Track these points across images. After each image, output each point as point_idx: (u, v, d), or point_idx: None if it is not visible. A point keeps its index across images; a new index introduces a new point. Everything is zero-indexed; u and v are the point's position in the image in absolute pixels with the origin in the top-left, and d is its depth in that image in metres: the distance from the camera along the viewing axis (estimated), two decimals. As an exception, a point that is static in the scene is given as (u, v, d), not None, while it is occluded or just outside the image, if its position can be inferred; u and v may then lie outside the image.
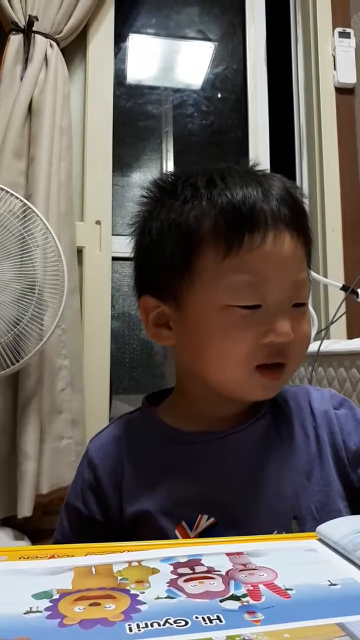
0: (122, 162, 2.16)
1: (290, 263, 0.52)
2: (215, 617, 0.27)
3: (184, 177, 0.55)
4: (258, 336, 0.51)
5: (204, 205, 0.51)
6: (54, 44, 1.74)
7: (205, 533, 0.52)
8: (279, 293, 0.51)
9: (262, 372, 0.52)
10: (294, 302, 0.52)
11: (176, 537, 0.52)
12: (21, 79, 1.68)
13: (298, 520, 0.52)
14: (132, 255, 0.60)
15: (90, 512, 0.58)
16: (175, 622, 0.27)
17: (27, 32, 1.71)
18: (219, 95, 2.32)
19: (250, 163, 0.58)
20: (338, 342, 1.46)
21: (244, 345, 0.51)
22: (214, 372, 0.54)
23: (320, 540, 0.40)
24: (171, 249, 0.53)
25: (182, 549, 0.38)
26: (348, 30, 2.14)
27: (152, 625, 0.27)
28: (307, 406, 0.60)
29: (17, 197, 1.40)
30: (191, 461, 0.56)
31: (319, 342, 1.43)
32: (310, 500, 0.54)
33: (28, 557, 0.37)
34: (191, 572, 0.34)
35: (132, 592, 0.31)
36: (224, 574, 0.33)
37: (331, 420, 0.58)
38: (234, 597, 0.30)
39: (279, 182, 0.54)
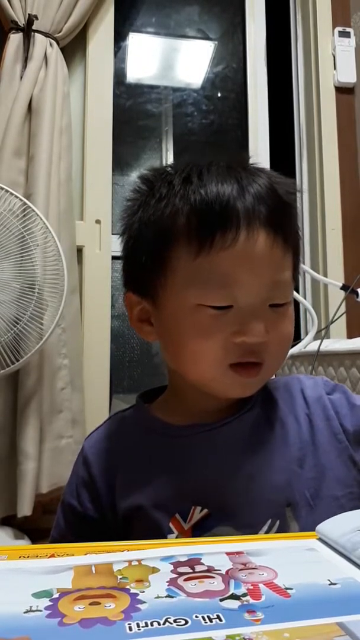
0: (122, 161, 2.16)
1: (265, 264, 0.50)
2: (215, 617, 0.27)
3: (163, 174, 0.55)
4: (229, 336, 0.50)
5: (177, 203, 0.51)
6: (54, 42, 1.74)
7: (199, 524, 0.52)
8: (252, 294, 0.50)
9: (236, 370, 0.51)
10: (270, 303, 0.51)
11: (170, 530, 0.52)
12: (21, 78, 1.68)
13: (292, 507, 0.52)
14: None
15: (85, 509, 0.58)
16: (175, 621, 0.27)
17: (27, 31, 1.70)
18: (219, 95, 2.32)
19: (242, 157, 0.56)
20: (338, 342, 1.46)
21: (215, 344, 0.50)
22: (190, 370, 0.54)
23: (320, 539, 0.40)
24: (147, 247, 0.53)
25: (182, 548, 0.38)
26: (348, 29, 2.14)
27: (152, 624, 0.27)
28: (299, 394, 0.59)
29: (16, 196, 1.40)
30: (182, 454, 0.56)
31: (319, 341, 1.43)
32: (304, 487, 0.53)
33: (28, 556, 0.37)
34: (191, 571, 0.34)
35: (132, 591, 0.31)
36: (223, 573, 0.33)
37: (325, 406, 0.57)
38: (234, 597, 0.30)
39: (265, 177, 0.52)
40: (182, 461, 0.56)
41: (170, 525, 0.53)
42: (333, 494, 0.54)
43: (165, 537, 0.52)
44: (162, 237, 0.52)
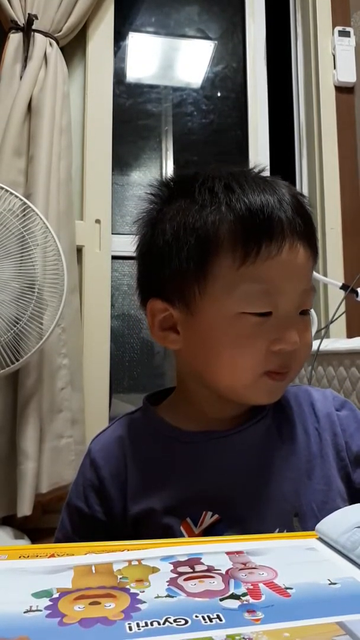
0: (122, 161, 2.16)
1: (303, 273, 0.53)
2: (215, 616, 0.27)
3: (200, 180, 0.54)
4: (268, 344, 0.51)
5: (223, 211, 0.51)
6: (54, 42, 1.74)
7: (210, 529, 0.52)
8: (290, 302, 0.52)
9: (269, 376, 0.53)
10: (301, 310, 0.53)
11: (181, 534, 0.53)
12: (21, 77, 1.68)
13: (299, 517, 0.53)
14: (136, 253, 0.59)
15: (92, 512, 0.58)
16: (175, 621, 0.27)
17: (27, 30, 1.70)
18: (219, 94, 2.31)
19: (257, 168, 0.58)
20: (338, 341, 1.46)
21: (256, 353, 0.51)
22: (224, 377, 0.54)
23: (319, 539, 0.40)
24: (186, 254, 0.52)
25: (182, 547, 0.38)
26: (348, 29, 2.14)
27: (152, 624, 0.27)
28: (308, 407, 0.60)
29: (16, 196, 1.40)
30: (193, 460, 0.56)
31: (319, 341, 1.43)
32: (311, 498, 0.54)
33: (28, 556, 0.37)
34: (191, 570, 0.34)
35: (132, 591, 0.31)
36: (224, 572, 0.33)
37: (334, 422, 0.59)
38: (234, 596, 0.30)
39: (288, 189, 0.54)
40: (194, 466, 0.56)
41: (181, 528, 0.53)
42: (338, 506, 0.54)
43: None
44: (205, 244, 0.51)
